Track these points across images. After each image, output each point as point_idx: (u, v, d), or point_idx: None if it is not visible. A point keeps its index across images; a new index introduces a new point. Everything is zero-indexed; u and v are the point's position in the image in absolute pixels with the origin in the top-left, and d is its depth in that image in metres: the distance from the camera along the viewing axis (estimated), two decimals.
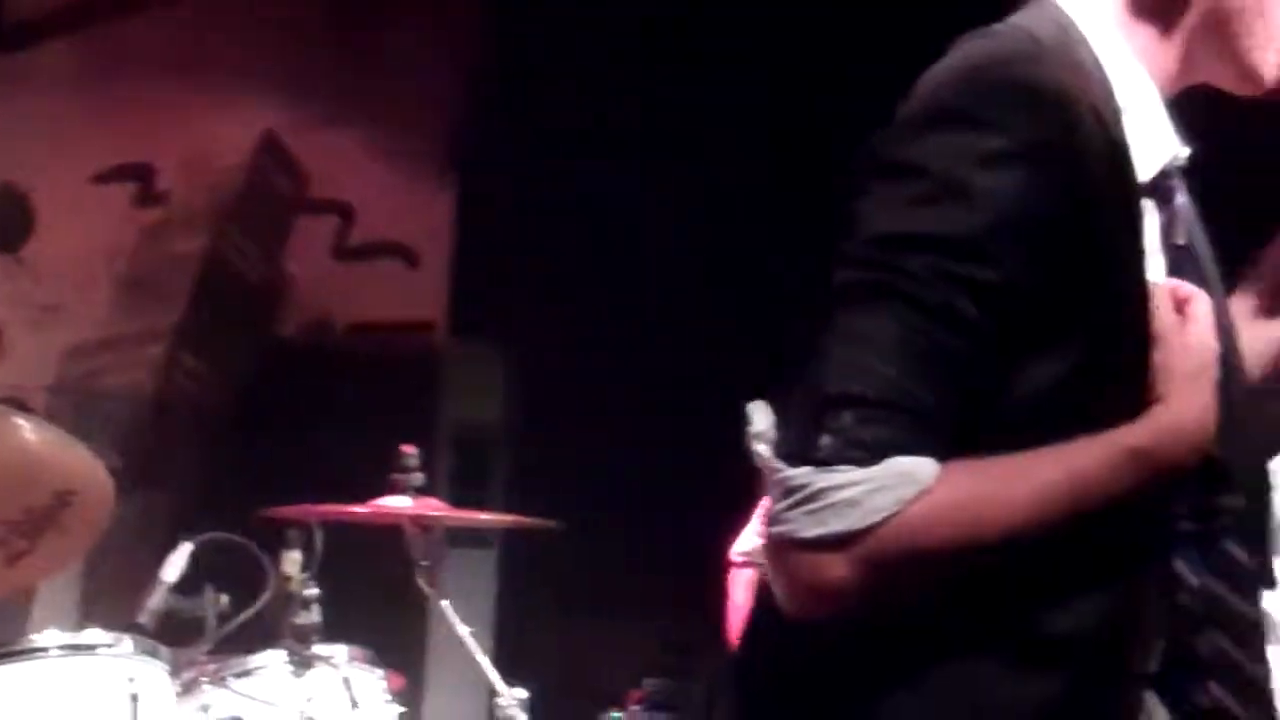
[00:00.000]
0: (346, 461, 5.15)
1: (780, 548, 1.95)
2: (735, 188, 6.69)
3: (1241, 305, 2.46)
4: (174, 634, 4.66)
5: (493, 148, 7.14)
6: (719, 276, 6.54)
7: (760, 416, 2.03)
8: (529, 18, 6.96)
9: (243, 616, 4.67)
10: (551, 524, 5.47)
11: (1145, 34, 2.23)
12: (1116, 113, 2.12)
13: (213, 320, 6.90)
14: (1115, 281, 2.05)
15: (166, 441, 6.59)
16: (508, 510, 6.19)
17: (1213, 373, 2.07)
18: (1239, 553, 2.20)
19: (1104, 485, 2.00)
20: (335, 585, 5.02)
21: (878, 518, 1.91)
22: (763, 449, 2.00)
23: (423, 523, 4.95)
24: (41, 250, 6.61)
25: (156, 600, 4.61)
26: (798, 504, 1.93)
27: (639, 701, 6.18)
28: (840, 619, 1.98)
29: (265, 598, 4.64)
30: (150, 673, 4.34)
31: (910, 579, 1.97)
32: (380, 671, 4.80)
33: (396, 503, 4.91)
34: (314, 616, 4.61)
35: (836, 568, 1.93)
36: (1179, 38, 2.23)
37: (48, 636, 4.33)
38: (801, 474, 1.92)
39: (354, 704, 4.61)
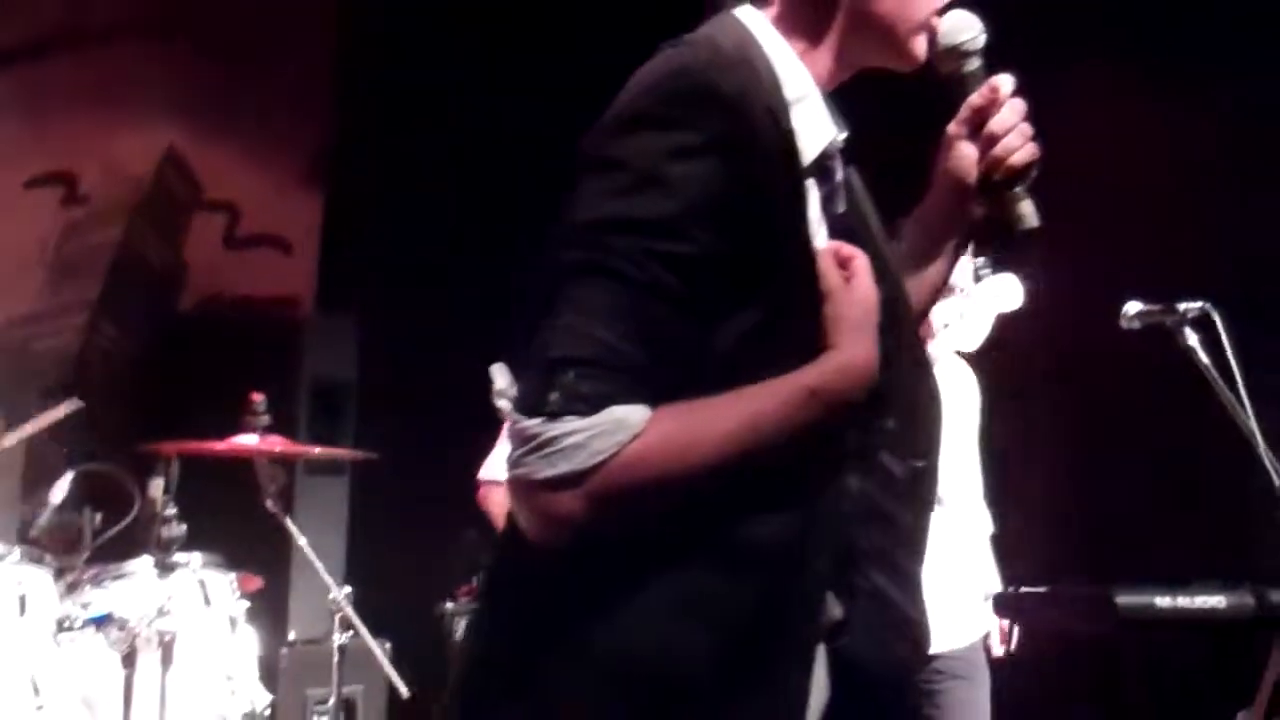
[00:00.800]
0: (223, 409, 5.03)
1: (521, 487, 1.92)
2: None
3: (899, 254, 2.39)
4: (60, 546, 4.64)
5: (353, 157, 7.13)
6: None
7: (501, 376, 2.15)
8: (381, 45, 6.92)
9: (112, 531, 4.67)
10: (371, 455, 5.52)
11: (804, 39, 2.18)
12: (785, 107, 2.08)
13: (125, 297, 6.84)
14: (788, 250, 2.02)
15: (86, 393, 6.45)
16: (357, 448, 6.18)
17: (875, 318, 2.04)
18: (894, 464, 2.18)
19: (788, 419, 1.97)
20: (210, 507, 5.02)
21: (599, 458, 1.88)
22: (504, 404, 2.12)
23: (267, 455, 4.85)
24: None
25: (44, 518, 4.58)
26: (532, 450, 1.89)
27: (468, 594, 6.17)
28: (579, 541, 1.93)
29: (130, 516, 4.63)
30: (36, 577, 4.33)
31: (631, 508, 1.93)
32: (232, 575, 4.77)
33: (247, 440, 4.83)
34: (173, 531, 4.55)
35: (568, 502, 1.90)
36: (832, 39, 2.19)
37: None
38: (535, 424, 1.89)
39: (206, 601, 4.60)
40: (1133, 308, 4.75)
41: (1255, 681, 4.38)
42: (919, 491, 2.25)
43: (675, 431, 1.94)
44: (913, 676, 2.29)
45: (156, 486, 4.56)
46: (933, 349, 5.02)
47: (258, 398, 4.89)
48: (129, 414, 6.40)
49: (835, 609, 2.10)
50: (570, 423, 1.89)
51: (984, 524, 5.19)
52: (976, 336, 4.62)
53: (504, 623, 2.11)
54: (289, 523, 4.86)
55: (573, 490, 1.89)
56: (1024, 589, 4.82)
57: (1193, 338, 4.50)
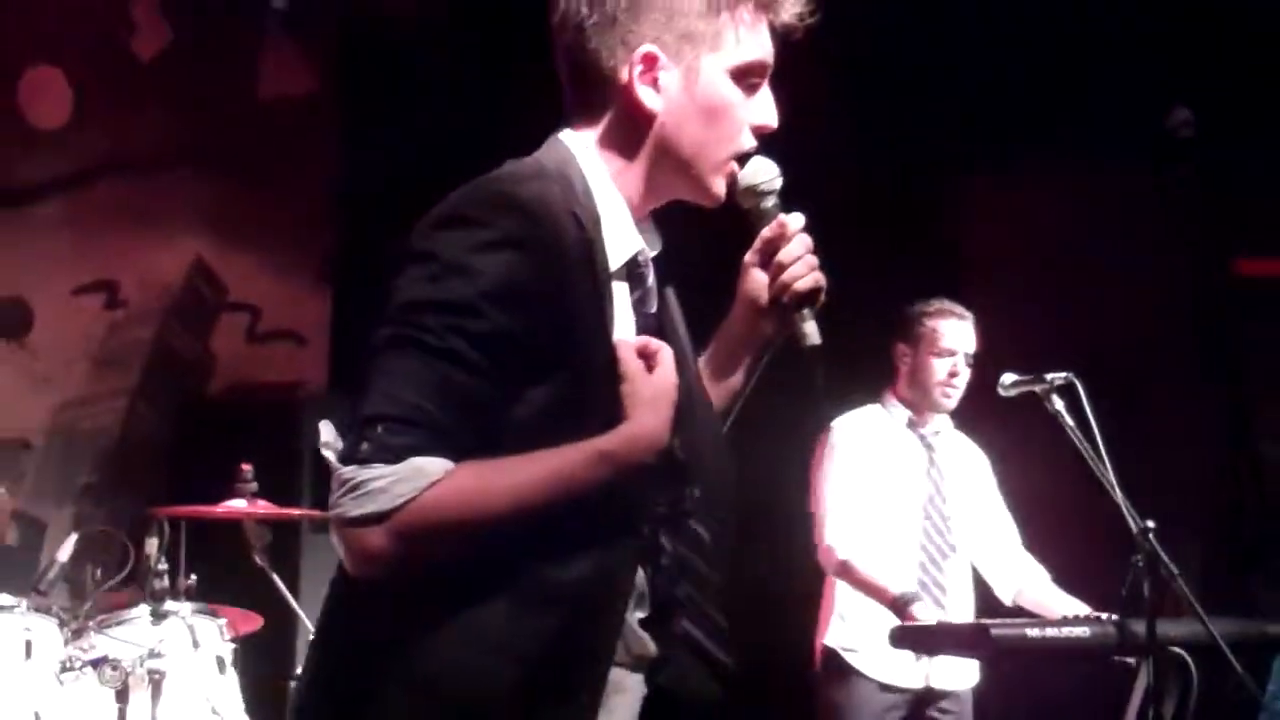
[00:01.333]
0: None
1: (336, 525, 1.91)
2: None
3: (704, 366, 2.39)
4: (65, 598, 4.66)
5: (358, 259, 7.10)
6: None
7: (326, 431, 2.04)
8: (381, 158, 6.89)
9: (110, 584, 4.67)
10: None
11: (615, 165, 2.19)
12: (595, 216, 2.11)
13: (159, 385, 6.78)
14: (584, 337, 2.03)
15: (124, 468, 6.48)
16: None
17: (670, 398, 2.03)
18: (701, 530, 2.17)
19: (579, 478, 1.97)
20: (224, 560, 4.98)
21: (399, 500, 1.88)
22: (328, 454, 1.99)
23: (252, 517, 4.93)
24: (39, 339, 6.49)
25: (53, 573, 4.56)
26: (345, 493, 1.89)
27: None
28: (389, 575, 1.93)
29: (124, 572, 4.65)
30: (42, 625, 4.31)
31: (429, 546, 1.92)
32: (222, 621, 4.73)
33: (236, 504, 4.86)
34: (164, 583, 4.57)
35: (374, 539, 1.89)
36: (641, 167, 2.19)
37: None
38: (348, 471, 1.89)
39: (195, 644, 4.59)
40: (1008, 378, 4.70)
41: (1123, 704, 4.30)
42: (723, 551, 2.22)
43: (471, 481, 1.94)
44: (718, 712, 2.22)
45: (151, 545, 4.55)
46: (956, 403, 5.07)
47: (246, 468, 4.88)
48: (157, 483, 6.34)
49: (651, 648, 2.12)
50: (377, 469, 1.88)
51: (1035, 573, 5.10)
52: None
53: (333, 649, 2.09)
54: (272, 573, 4.90)
55: (377, 528, 1.88)
56: (914, 624, 4.75)
57: (1059, 403, 4.47)
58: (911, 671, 4.99)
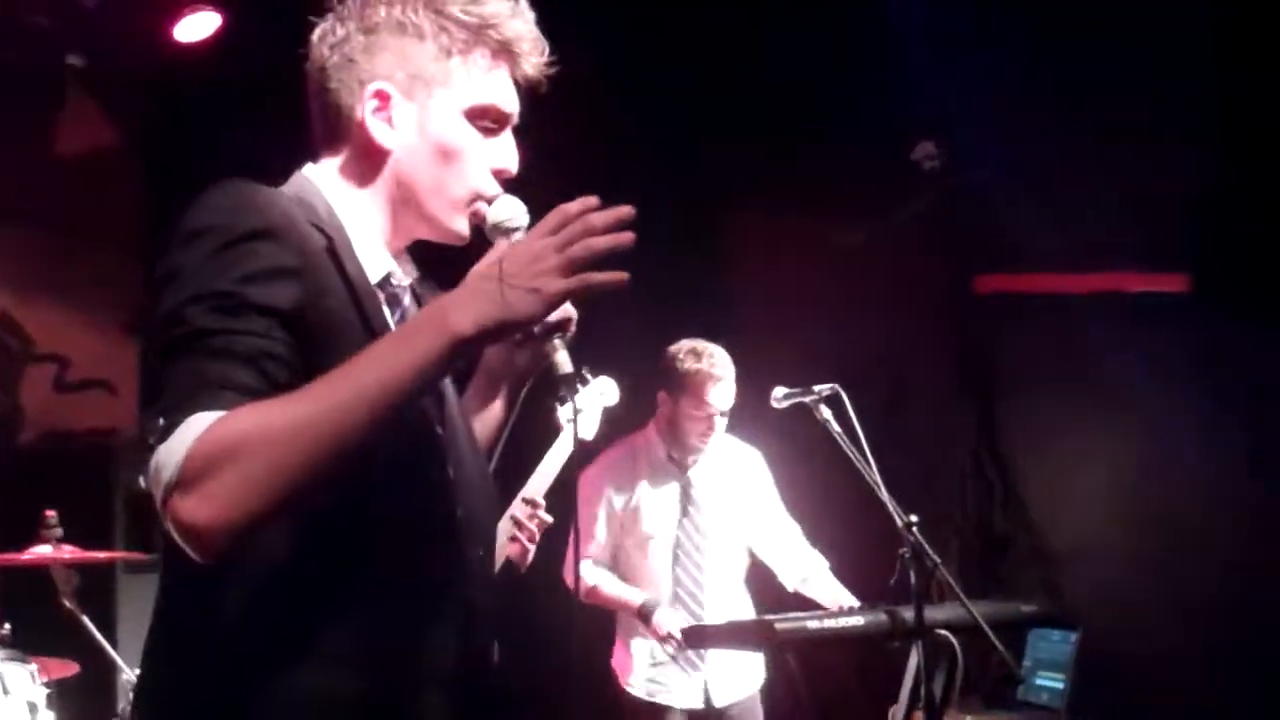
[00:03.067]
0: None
1: (166, 522, 1.76)
2: None
3: (467, 400, 2.34)
4: None
5: None
6: None
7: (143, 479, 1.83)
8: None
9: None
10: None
11: (356, 195, 2.14)
12: (343, 234, 2.06)
13: None
14: (346, 327, 1.95)
15: None
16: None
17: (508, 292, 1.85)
18: (469, 550, 2.11)
19: (399, 350, 1.83)
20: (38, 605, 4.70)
21: (177, 457, 1.72)
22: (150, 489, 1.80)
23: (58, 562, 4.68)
24: None
25: None
26: (151, 484, 1.77)
27: None
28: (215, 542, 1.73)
29: None
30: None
31: (230, 488, 1.71)
32: (32, 666, 4.45)
33: (42, 549, 4.64)
34: None
35: (182, 506, 1.72)
36: (379, 200, 2.14)
37: None
38: (149, 473, 1.77)
39: (5, 690, 4.29)
40: (780, 391, 4.71)
41: (898, 684, 4.33)
42: (486, 571, 2.19)
43: (246, 413, 1.76)
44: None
45: None
46: (717, 441, 5.04)
47: (50, 514, 4.66)
48: None
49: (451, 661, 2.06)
50: (161, 449, 1.74)
51: (815, 563, 5.15)
52: (592, 426, 4.51)
53: (156, 658, 2.00)
54: (82, 616, 4.64)
55: (179, 495, 1.72)
56: (697, 625, 4.75)
57: (826, 412, 4.50)
58: (685, 692, 5.01)
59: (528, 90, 2.19)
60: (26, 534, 4.78)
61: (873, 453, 4.39)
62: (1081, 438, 6.04)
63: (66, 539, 4.64)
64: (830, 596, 4.97)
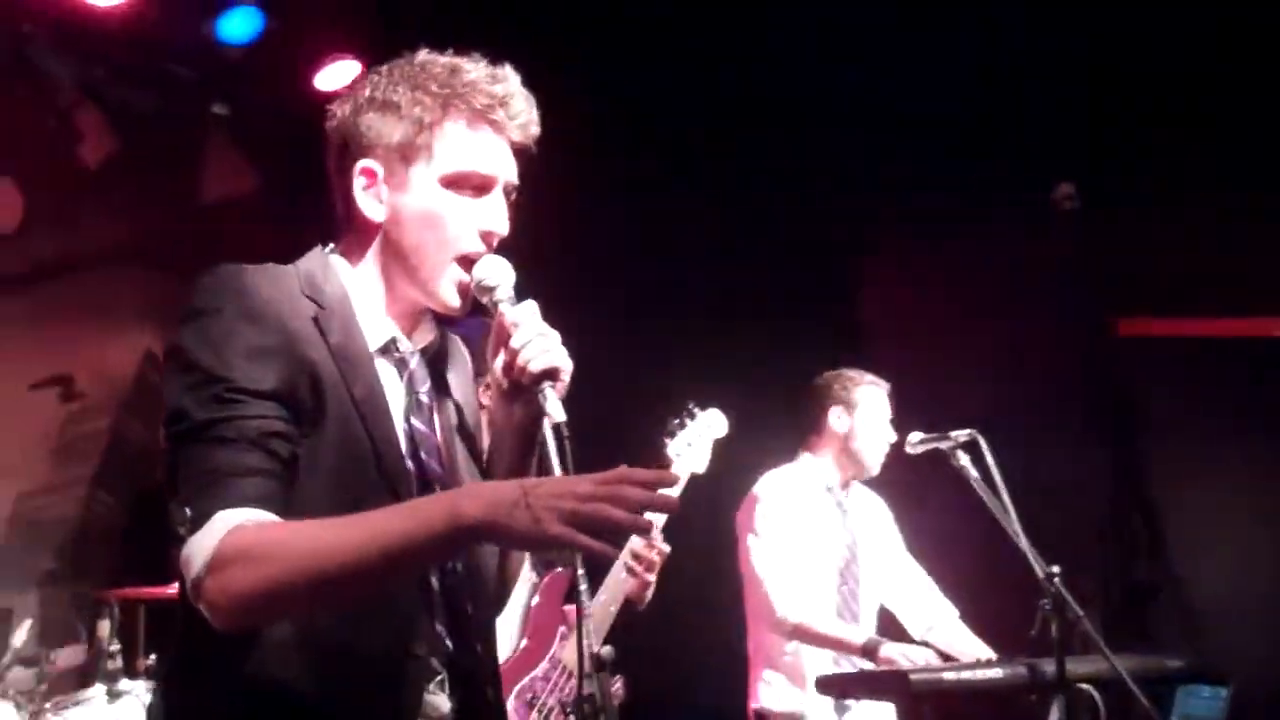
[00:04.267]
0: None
1: (197, 602, 1.95)
2: None
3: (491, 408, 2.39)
4: (23, 682, 4.48)
5: None
6: None
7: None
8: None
9: (65, 667, 4.52)
10: None
11: (357, 269, 2.27)
12: (343, 304, 2.21)
13: (115, 473, 6.54)
14: (334, 395, 2.10)
15: (85, 553, 6.29)
16: None
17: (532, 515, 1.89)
18: (467, 606, 2.23)
19: (410, 514, 1.95)
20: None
21: (206, 554, 1.92)
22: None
23: None
24: None
25: (8, 659, 4.40)
26: (185, 568, 1.96)
27: None
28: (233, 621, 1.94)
29: (79, 656, 4.49)
30: (2, 709, 4.08)
31: (240, 585, 1.90)
32: None
33: None
34: (118, 663, 4.38)
35: (206, 591, 1.92)
36: (375, 272, 2.27)
37: None
38: (182, 558, 1.97)
39: None
40: (915, 436, 4.67)
41: None
42: (483, 627, 2.30)
43: (275, 530, 1.93)
44: None
45: (104, 627, 4.39)
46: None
47: None
48: (113, 567, 6.12)
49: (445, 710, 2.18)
50: (191, 542, 1.95)
51: (943, 611, 5.08)
52: (702, 460, 4.49)
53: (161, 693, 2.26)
54: None
55: (208, 581, 1.91)
56: (838, 673, 4.68)
57: (964, 458, 4.45)
58: None
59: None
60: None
61: (1010, 500, 4.33)
62: (1228, 485, 5.90)
63: None
64: (959, 645, 4.88)
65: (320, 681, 2.04)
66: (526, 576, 4.28)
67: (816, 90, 6.29)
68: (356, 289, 2.24)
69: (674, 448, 4.49)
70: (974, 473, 4.43)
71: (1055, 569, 4.09)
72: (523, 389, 2.20)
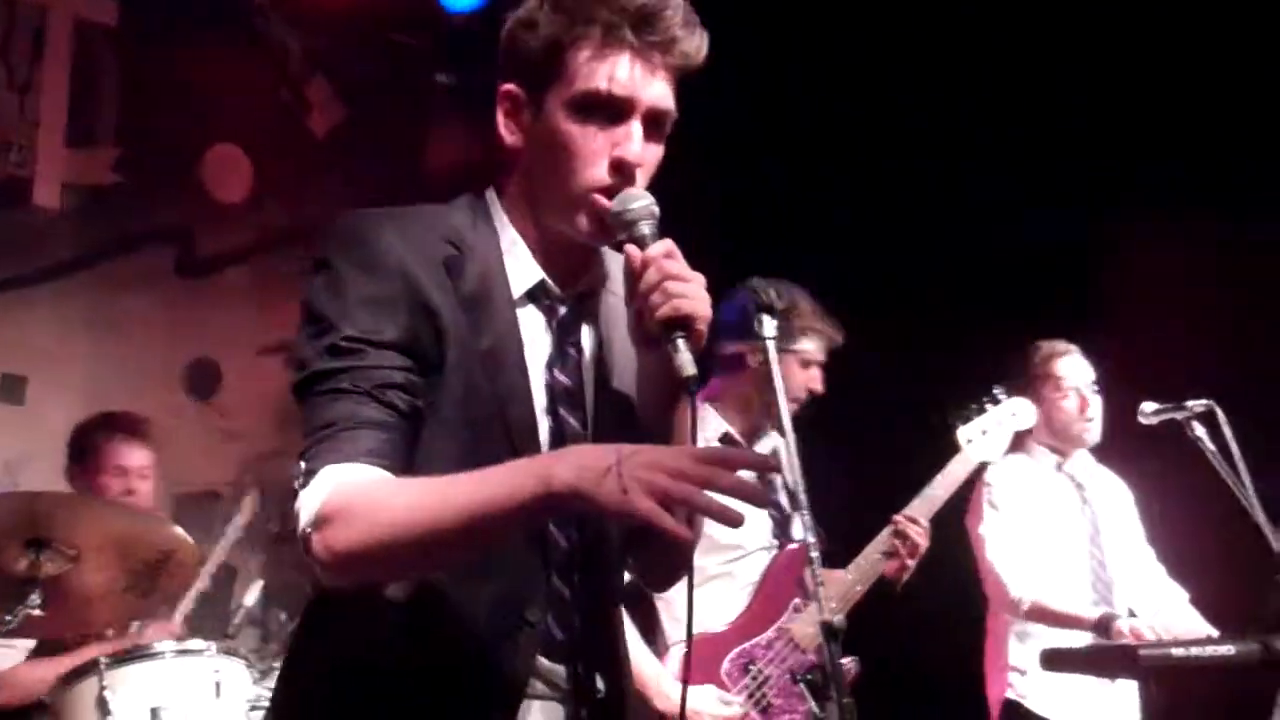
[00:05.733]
0: None
1: (306, 555, 1.90)
2: None
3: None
4: (253, 640, 4.61)
5: None
6: None
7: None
8: None
9: (293, 626, 4.59)
10: None
11: (507, 202, 2.18)
12: (489, 248, 2.13)
13: None
14: (460, 346, 2.04)
15: None
16: None
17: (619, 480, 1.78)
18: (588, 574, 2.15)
19: (504, 477, 1.85)
20: None
21: (315, 507, 1.87)
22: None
23: None
24: (228, 398, 6.51)
25: (239, 617, 4.50)
26: (296, 521, 1.91)
27: None
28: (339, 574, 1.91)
29: None
30: (230, 666, 4.24)
31: (356, 540, 1.85)
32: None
33: None
34: None
35: (314, 545, 1.87)
36: (522, 203, 2.16)
37: (163, 644, 4.25)
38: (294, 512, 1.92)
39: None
40: (1149, 406, 4.55)
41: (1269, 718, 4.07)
42: (600, 597, 2.21)
43: (383, 485, 1.90)
44: None
45: None
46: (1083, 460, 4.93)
47: None
48: None
49: (562, 680, 2.13)
50: (301, 495, 1.90)
51: (1172, 594, 4.95)
52: (998, 449, 4.39)
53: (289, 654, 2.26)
54: None
55: (314, 535, 1.86)
56: (1066, 647, 4.57)
57: (1200, 429, 4.34)
58: (1090, 710, 4.79)
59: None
60: None
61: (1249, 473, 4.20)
62: None
63: None
64: (1186, 627, 4.73)
65: (430, 641, 2.01)
66: (767, 544, 4.28)
67: (1056, 48, 6.16)
68: (504, 228, 2.15)
69: (966, 432, 4.44)
70: (1210, 444, 4.30)
71: None
72: (652, 340, 2.00)
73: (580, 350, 2.16)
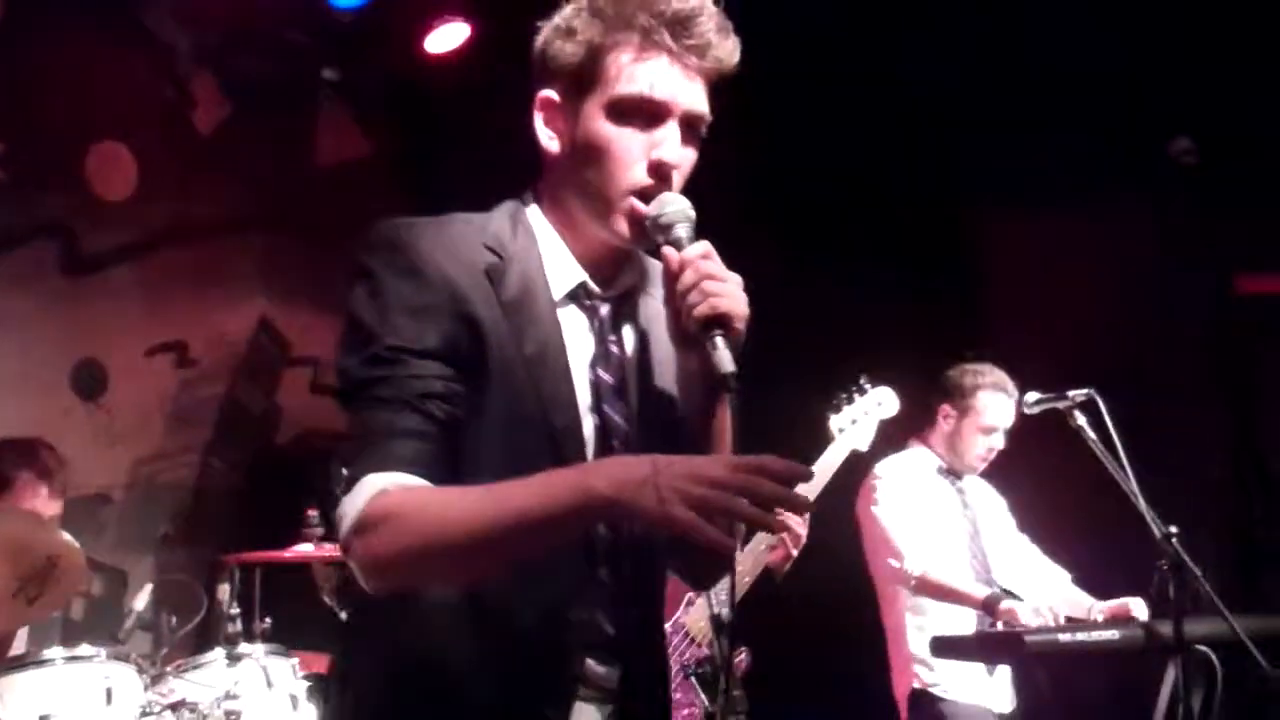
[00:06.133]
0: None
1: (344, 552, 1.97)
2: None
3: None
4: (143, 646, 4.57)
5: None
6: None
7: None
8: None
9: (185, 629, 4.58)
10: None
11: (545, 207, 2.20)
12: (527, 253, 2.13)
13: (230, 438, 6.71)
14: (500, 352, 2.04)
15: (200, 518, 6.43)
16: None
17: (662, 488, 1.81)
18: (633, 574, 2.16)
19: (542, 487, 1.89)
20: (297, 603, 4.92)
21: (355, 514, 1.92)
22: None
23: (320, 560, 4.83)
24: (115, 398, 6.37)
25: (129, 622, 4.45)
26: (338, 527, 1.96)
27: None
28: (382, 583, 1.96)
29: (198, 618, 4.58)
30: (122, 672, 4.18)
31: (388, 549, 1.91)
32: (294, 659, 4.62)
33: (304, 548, 4.80)
34: (238, 627, 4.44)
35: (355, 553, 1.94)
36: (560, 208, 2.17)
37: (53, 650, 4.20)
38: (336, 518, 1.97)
39: (269, 683, 4.46)
40: (1032, 396, 4.64)
41: (1153, 701, 4.19)
42: (645, 593, 2.23)
43: (422, 493, 1.93)
44: None
45: (224, 591, 4.46)
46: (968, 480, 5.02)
47: (312, 512, 4.83)
48: (231, 531, 6.22)
49: (613, 682, 2.15)
50: (344, 502, 1.94)
51: (1054, 577, 5.06)
52: (866, 437, 4.47)
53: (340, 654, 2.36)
54: (341, 613, 4.74)
55: (355, 540, 1.92)
56: (955, 634, 4.66)
57: (1081, 418, 4.42)
58: (994, 695, 4.89)
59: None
60: (285, 531, 4.99)
61: (1128, 461, 4.29)
62: None
63: (326, 538, 4.80)
64: (1070, 604, 4.83)
65: (477, 646, 2.03)
66: None
67: (926, 46, 6.24)
68: (544, 233, 2.16)
69: (838, 422, 4.51)
70: (1091, 433, 4.39)
71: (1173, 529, 4.05)
72: (691, 339, 2.03)
73: (622, 348, 2.19)
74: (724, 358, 1.94)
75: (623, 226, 2.09)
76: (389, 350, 1.98)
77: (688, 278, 2.00)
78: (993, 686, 4.89)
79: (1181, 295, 6.24)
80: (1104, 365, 5.27)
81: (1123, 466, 4.28)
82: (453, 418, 1.98)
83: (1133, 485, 4.24)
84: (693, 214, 2.07)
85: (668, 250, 2.04)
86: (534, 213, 2.19)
